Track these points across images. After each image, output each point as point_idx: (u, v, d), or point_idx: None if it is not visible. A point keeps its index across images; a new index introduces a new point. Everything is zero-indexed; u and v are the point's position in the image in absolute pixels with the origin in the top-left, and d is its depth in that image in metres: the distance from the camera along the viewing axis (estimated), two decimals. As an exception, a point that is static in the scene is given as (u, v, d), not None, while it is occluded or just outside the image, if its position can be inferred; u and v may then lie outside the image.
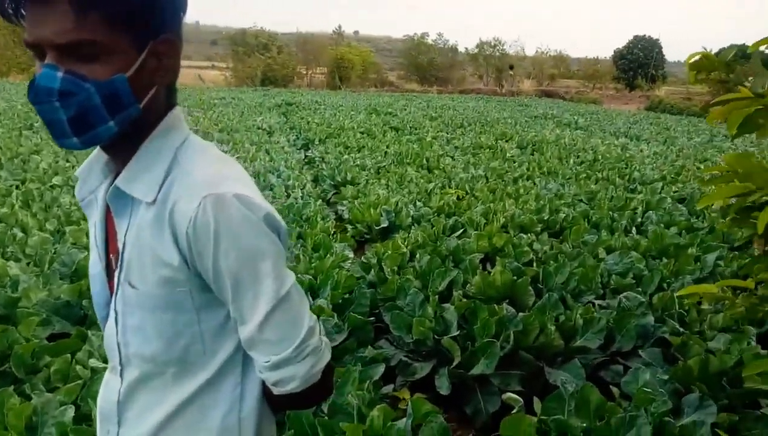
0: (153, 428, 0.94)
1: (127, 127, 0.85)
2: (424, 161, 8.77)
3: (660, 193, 6.85)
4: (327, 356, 0.96)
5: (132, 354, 0.94)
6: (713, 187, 1.49)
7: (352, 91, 35.87)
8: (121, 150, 0.90)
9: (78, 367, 2.58)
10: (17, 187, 5.87)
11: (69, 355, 2.64)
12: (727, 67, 1.43)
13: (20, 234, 4.26)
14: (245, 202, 0.86)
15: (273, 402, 1.00)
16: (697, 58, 1.50)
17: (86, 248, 4.01)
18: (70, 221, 4.70)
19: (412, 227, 5.20)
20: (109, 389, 0.98)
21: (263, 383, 0.98)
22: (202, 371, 0.94)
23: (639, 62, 46.68)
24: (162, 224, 0.86)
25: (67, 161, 7.25)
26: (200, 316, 0.91)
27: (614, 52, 49.04)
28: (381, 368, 2.78)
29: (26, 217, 4.69)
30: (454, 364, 2.90)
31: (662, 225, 5.26)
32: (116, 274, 0.92)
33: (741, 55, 1.49)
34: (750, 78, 1.36)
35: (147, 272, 0.88)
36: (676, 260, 4.18)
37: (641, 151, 11.14)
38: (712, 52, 1.49)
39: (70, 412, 2.19)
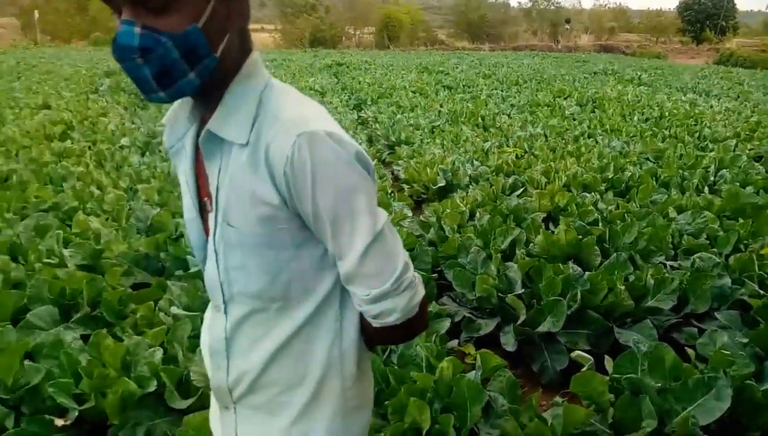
0: (263, 360, 0.98)
1: (208, 77, 0.86)
2: (480, 120, 8.58)
3: (734, 151, 6.46)
4: (422, 291, 0.98)
5: (236, 292, 0.96)
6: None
7: (402, 51, 35.20)
8: (207, 98, 0.91)
9: (161, 314, 2.73)
10: (89, 147, 6.15)
11: (152, 303, 2.80)
12: None
13: (97, 191, 4.49)
14: (337, 139, 0.87)
15: (370, 336, 1.03)
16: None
17: (159, 204, 4.18)
18: (140, 179, 4.90)
19: (470, 187, 5.14)
20: (215, 327, 1.02)
21: (360, 319, 1.00)
22: (303, 306, 0.96)
23: (707, 13, 43.50)
24: (257, 165, 0.87)
25: (132, 123, 7.52)
26: (300, 253, 0.93)
27: (679, 3, 45.83)
28: (447, 323, 2.81)
29: (100, 175, 4.93)
30: (520, 321, 2.89)
31: (737, 184, 4.98)
32: (212, 216, 0.94)
33: None
34: None
35: (246, 211, 0.89)
36: (753, 220, 3.96)
37: (711, 107, 10.49)
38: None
39: (159, 354, 2.33)
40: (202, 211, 0.99)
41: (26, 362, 2.27)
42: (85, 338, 2.57)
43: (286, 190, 0.87)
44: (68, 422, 2.16)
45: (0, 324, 2.56)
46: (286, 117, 0.88)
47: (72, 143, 6.30)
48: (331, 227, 0.89)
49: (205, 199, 0.97)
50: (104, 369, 2.26)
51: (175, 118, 1.01)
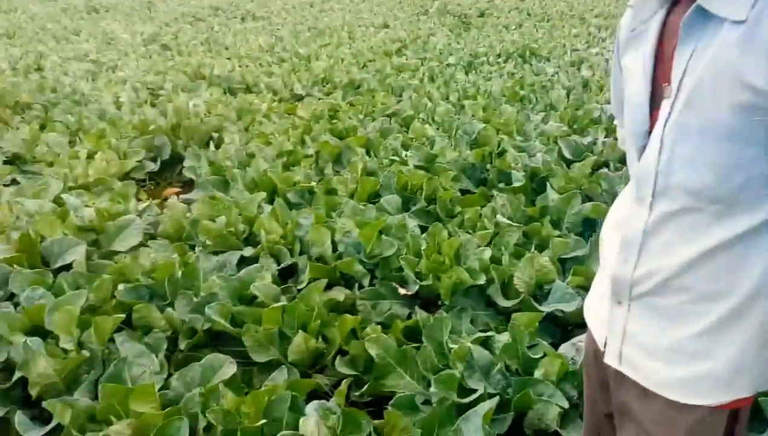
0: (681, 263, 0.92)
1: None
2: None
3: None
4: None
5: (673, 185, 0.91)
6: None
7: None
8: None
9: (485, 220, 2.93)
10: (421, 64, 6.76)
11: (478, 208, 3.01)
12: None
13: (429, 103, 4.95)
14: None
15: None
16: None
17: (483, 121, 4.38)
18: (466, 96, 5.20)
19: None
20: (633, 219, 0.98)
21: None
22: (748, 216, 0.87)
23: None
24: (753, 44, 0.80)
25: (457, 44, 7.94)
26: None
27: None
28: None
29: (432, 89, 5.39)
30: None
31: None
32: (668, 103, 0.89)
33: None
34: None
35: (719, 98, 0.83)
36: None
37: None
38: None
39: (487, 253, 2.53)
40: (654, 97, 0.95)
41: (383, 236, 2.72)
42: (420, 228, 2.94)
43: None
44: (409, 293, 2.54)
45: (362, 202, 3.12)
46: None
47: (406, 59, 7.01)
48: None
49: (664, 84, 0.93)
50: (440, 256, 2.56)
51: (644, 2, 0.98)
